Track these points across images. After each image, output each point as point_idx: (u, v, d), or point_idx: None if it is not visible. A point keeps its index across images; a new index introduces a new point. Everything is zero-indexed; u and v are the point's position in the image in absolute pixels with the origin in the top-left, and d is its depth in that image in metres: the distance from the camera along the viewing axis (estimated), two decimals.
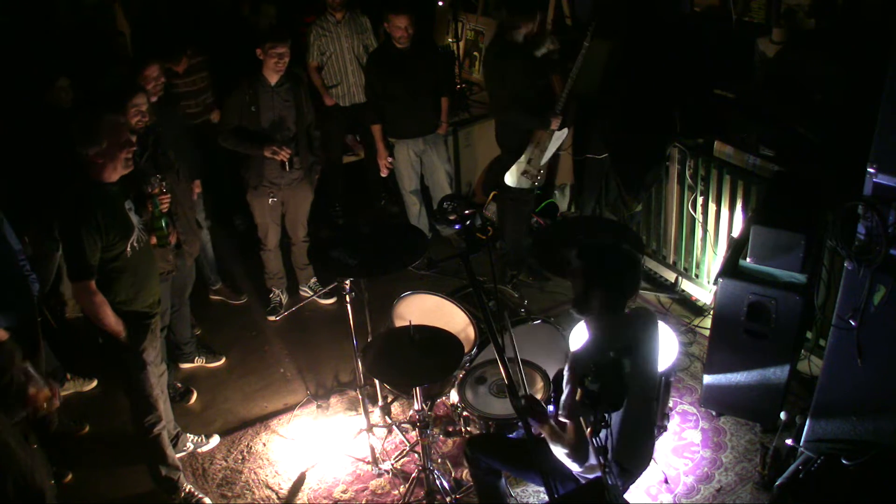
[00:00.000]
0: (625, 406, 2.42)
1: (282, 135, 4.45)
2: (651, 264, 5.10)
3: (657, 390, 2.89)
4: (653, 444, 2.95)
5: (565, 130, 4.72)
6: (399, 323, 3.74)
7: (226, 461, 3.91)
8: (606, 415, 2.23)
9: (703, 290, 4.73)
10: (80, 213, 3.02)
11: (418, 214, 5.41)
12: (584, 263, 2.66)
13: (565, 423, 2.61)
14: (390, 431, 3.94)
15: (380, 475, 3.73)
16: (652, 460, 3.00)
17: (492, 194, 5.46)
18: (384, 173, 5.27)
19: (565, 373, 2.58)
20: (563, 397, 2.60)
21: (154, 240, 3.46)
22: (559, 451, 2.67)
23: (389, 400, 4.06)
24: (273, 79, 4.38)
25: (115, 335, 3.20)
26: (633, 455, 2.77)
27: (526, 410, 2.63)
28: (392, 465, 3.76)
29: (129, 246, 3.18)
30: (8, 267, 3.55)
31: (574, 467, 2.68)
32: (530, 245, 4.95)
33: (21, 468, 2.36)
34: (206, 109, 5.10)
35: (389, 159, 5.17)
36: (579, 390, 2.23)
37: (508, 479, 3.49)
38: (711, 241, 4.52)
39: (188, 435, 3.95)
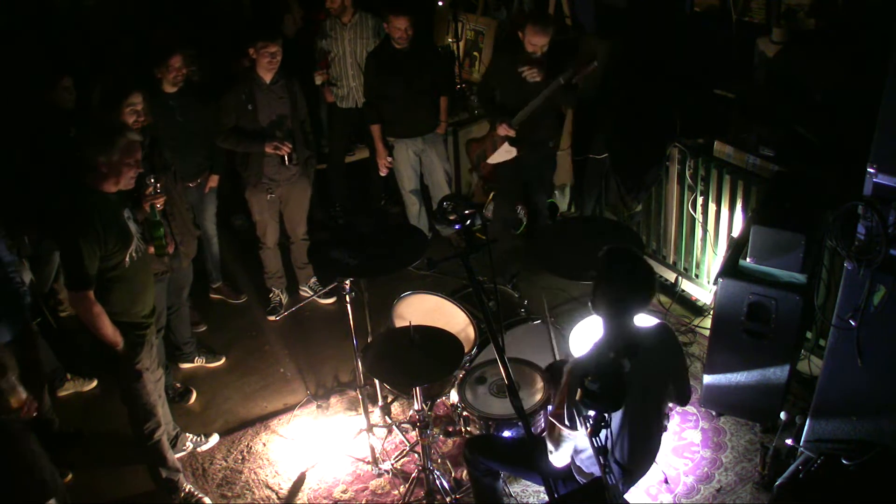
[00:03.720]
0: (627, 407, 2.43)
1: (280, 131, 4.47)
2: (651, 264, 5.09)
3: (665, 396, 2.89)
4: (657, 446, 2.95)
5: (513, 151, 4.74)
6: (399, 323, 3.74)
7: (226, 461, 3.91)
8: (606, 415, 2.23)
9: (703, 290, 4.72)
10: (77, 221, 2.98)
11: (418, 214, 5.41)
12: (604, 266, 2.66)
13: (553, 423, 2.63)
14: (390, 431, 3.94)
15: (380, 475, 3.73)
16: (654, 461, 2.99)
17: (491, 194, 5.46)
18: (383, 173, 5.28)
19: (563, 377, 2.59)
20: (556, 401, 2.61)
21: (152, 249, 3.43)
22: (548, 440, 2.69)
23: (389, 400, 4.06)
24: (267, 77, 4.40)
25: (111, 345, 3.16)
26: (633, 455, 2.77)
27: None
28: (392, 465, 3.75)
29: (128, 255, 3.14)
30: (2, 282, 3.54)
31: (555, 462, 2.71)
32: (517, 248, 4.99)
33: (37, 464, 2.37)
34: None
35: (389, 159, 5.17)
36: (579, 390, 2.23)
37: (508, 479, 3.50)
38: (711, 241, 4.52)
39: (188, 435, 3.95)
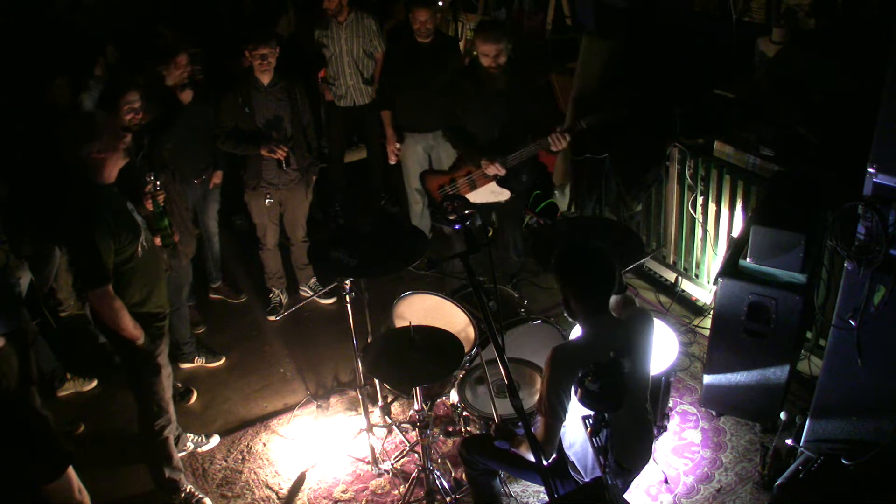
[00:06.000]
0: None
1: (278, 134, 4.45)
2: (651, 264, 5.10)
3: (649, 389, 2.89)
4: (650, 442, 2.95)
5: (504, 193, 4.31)
6: (399, 323, 3.74)
7: (226, 461, 3.91)
8: (606, 415, 2.23)
9: (703, 290, 4.73)
10: (89, 217, 2.97)
11: (420, 214, 5.40)
12: (556, 271, 2.68)
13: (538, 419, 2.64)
14: (390, 431, 3.94)
15: (380, 475, 3.73)
16: (651, 459, 2.99)
17: None
18: (392, 160, 5.25)
19: (544, 367, 2.60)
20: (540, 392, 2.61)
21: (158, 240, 3.44)
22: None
23: (389, 400, 4.06)
24: (265, 79, 4.38)
25: (132, 340, 3.15)
26: (630, 453, 2.77)
27: (501, 433, 2.80)
28: (392, 465, 3.75)
29: (139, 246, 3.15)
30: None
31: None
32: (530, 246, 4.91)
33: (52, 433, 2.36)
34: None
35: (398, 145, 5.14)
36: (579, 390, 2.23)
37: (507, 479, 3.50)
38: (711, 241, 4.52)
39: (188, 435, 3.95)
